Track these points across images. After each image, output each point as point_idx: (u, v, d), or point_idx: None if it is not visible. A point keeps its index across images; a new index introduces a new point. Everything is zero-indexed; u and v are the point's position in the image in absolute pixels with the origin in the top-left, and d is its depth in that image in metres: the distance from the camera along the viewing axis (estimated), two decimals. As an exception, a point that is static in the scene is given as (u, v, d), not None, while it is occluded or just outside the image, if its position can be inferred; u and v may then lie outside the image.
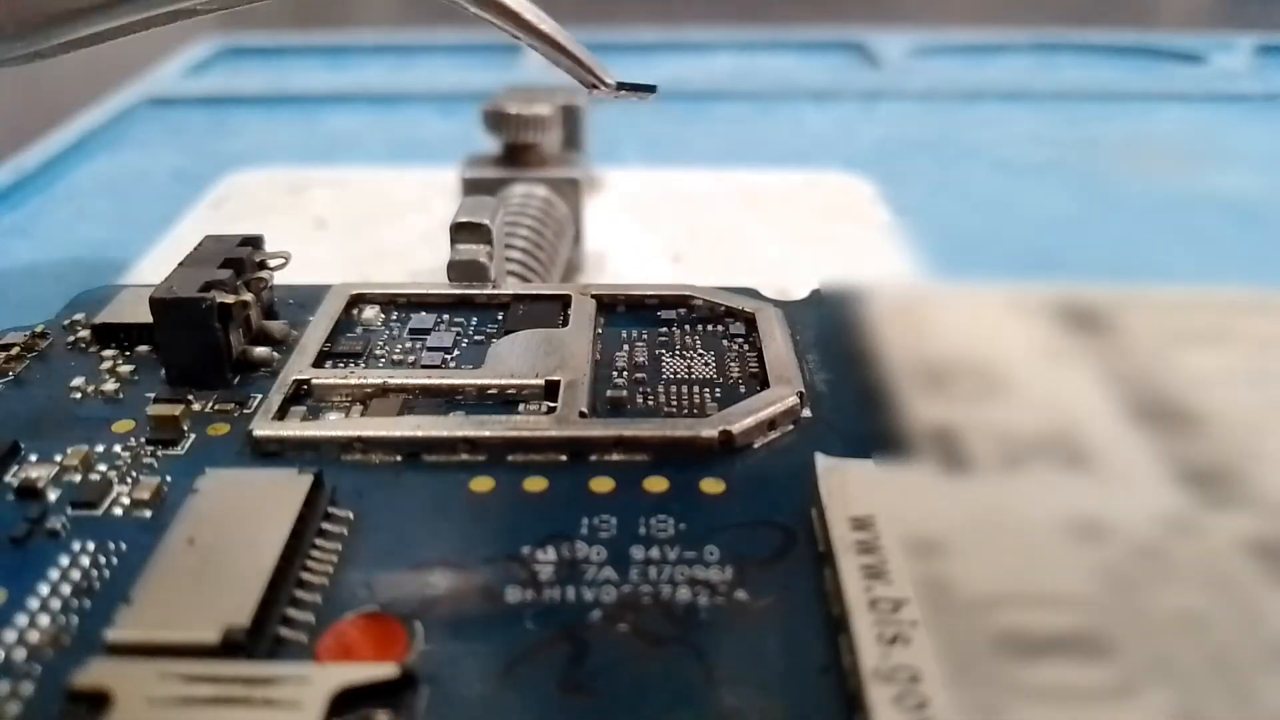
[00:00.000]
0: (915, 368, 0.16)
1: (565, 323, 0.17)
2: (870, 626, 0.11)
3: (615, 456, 0.14)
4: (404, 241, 0.26)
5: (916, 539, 0.12)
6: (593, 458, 0.14)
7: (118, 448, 0.15)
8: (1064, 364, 0.16)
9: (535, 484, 0.14)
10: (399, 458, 0.14)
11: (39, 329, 0.18)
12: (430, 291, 0.18)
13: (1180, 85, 0.39)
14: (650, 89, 0.17)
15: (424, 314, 0.18)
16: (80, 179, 0.31)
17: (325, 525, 0.13)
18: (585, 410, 0.15)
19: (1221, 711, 0.10)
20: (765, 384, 0.16)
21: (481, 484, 0.14)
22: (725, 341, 0.17)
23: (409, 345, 0.17)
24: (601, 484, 0.14)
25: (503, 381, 0.16)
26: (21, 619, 0.12)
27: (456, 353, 0.17)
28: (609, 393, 0.16)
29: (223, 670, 0.11)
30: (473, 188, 0.23)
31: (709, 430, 0.14)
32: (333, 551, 0.13)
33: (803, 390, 0.15)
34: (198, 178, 0.30)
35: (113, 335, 0.17)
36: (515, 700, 0.11)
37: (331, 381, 0.16)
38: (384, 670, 0.11)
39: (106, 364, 0.17)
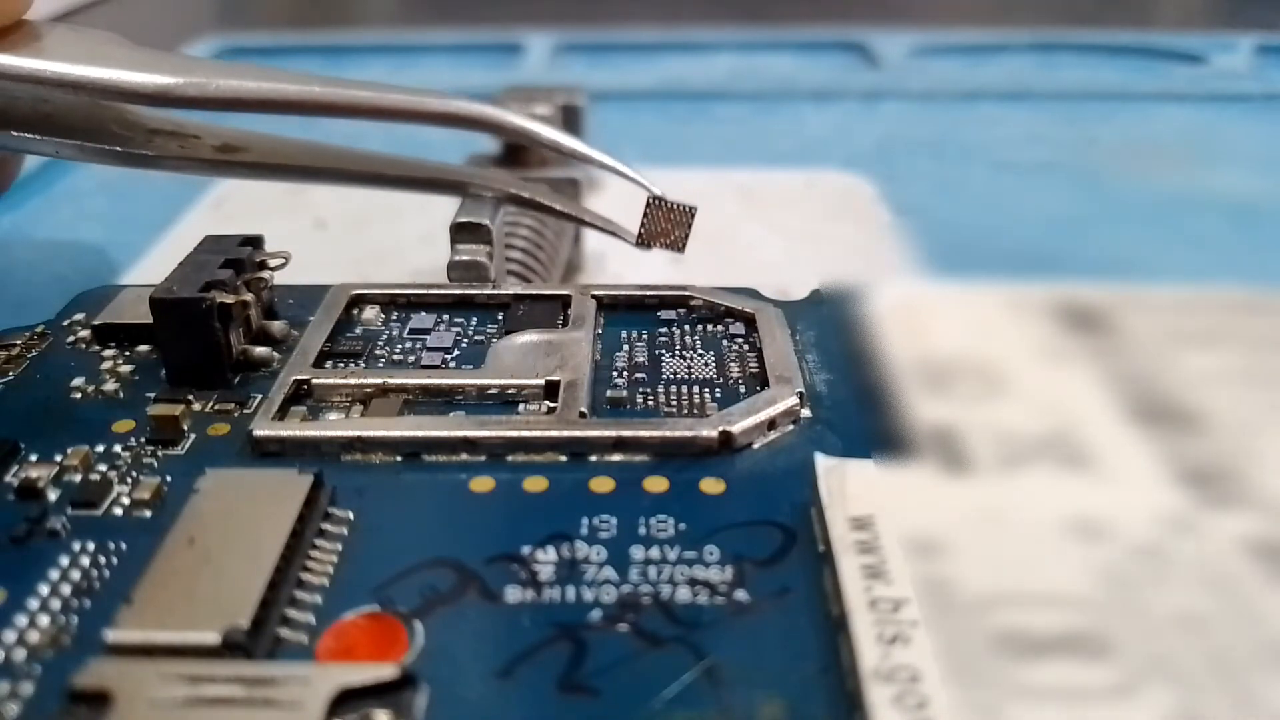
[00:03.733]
0: (915, 368, 0.16)
1: (565, 323, 0.17)
2: (870, 626, 0.11)
3: (615, 456, 0.14)
4: (404, 241, 0.26)
5: (916, 539, 0.12)
6: (593, 458, 0.14)
7: (118, 448, 0.15)
8: (1064, 364, 0.16)
9: (535, 484, 0.14)
10: (399, 458, 0.14)
11: (39, 329, 0.18)
12: (430, 291, 0.18)
13: (1180, 85, 0.39)
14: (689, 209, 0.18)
15: (424, 314, 0.18)
16: (80, 179, 0.31)
17: (325, 525, 0.13)
18: (585, 410, 0.15)
19: (1221, 711, 0.10)
20: (765, 384, 0.16)
21: (481, 484, 0.14)
22: (725, 341, 0.17)
23: (409, 345, 0.17)
24: (601, 484, 0.14)
25: (503, 381, 0.16)
26: (21, 619, 0.12)
27: (456, 353, 0.17)
28: (609, 393, 0.16)
29: (223, 670, 0.11)
30: (473, 188, 0.23)
31: (709, 430, 0.14)
32: (333, 551, 0.13)
33: (803, 390, 0.15)
34: (198, 178, 0.30)
35: (113, 335, 0.17)
36: (515, 700, 0.11)
37: (331, 381, 0.16)
38: (384, 670, 0.11)
39: (106, 364, 0.17)
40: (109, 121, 0.18)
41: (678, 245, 0.18)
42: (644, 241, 0.18)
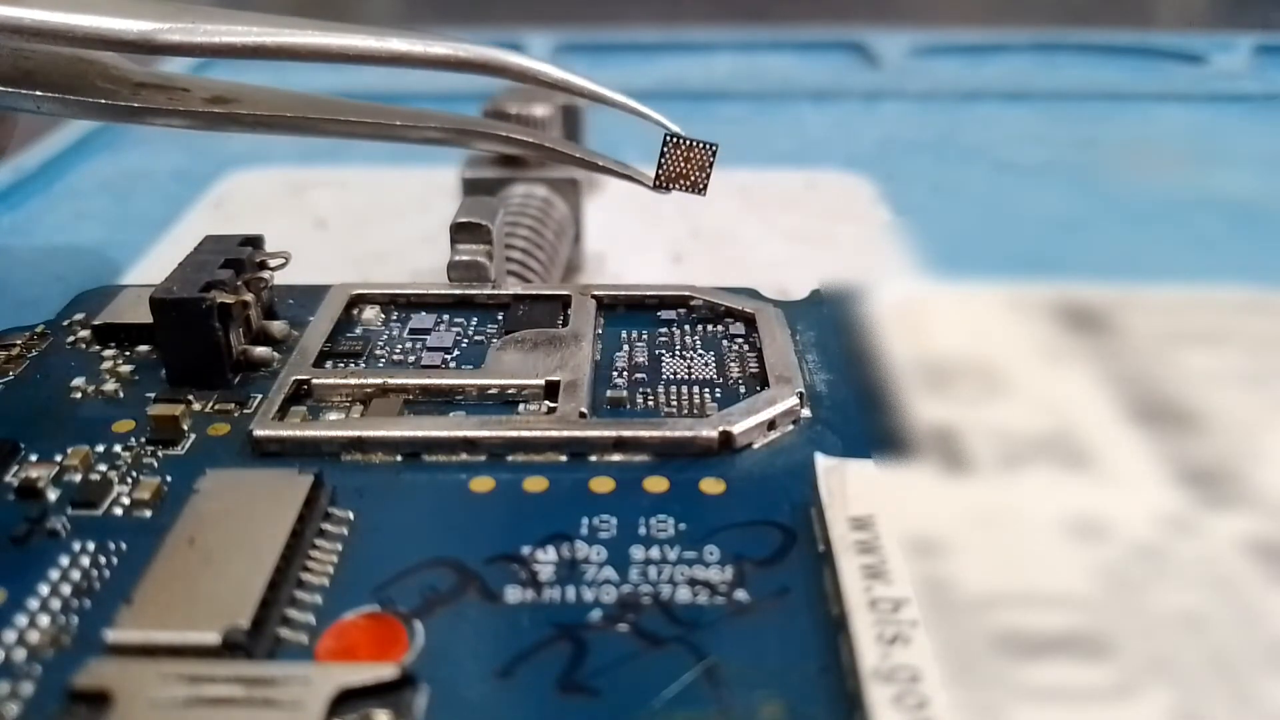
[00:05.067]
0: (915, 368, 0.16)
1: (565, 323, 0.17)
2: (870, 626, 0.11)
3: (615, 457, 0.14)
4: (404, 241, 0.26)
5: (916, 539, 0.12)
6: (593, 458, 0.14)
7: (118, 448, 0.15)
8: (1064, 364, 0.16)
9: (535, 484, 0.14)
10: (399, 458, 0.14)
11: (39, 329, 0.18)
12: (430, 291, 0.18)
13: (1180, 85, 0.39)
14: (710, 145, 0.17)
15: (424, 314, 0.18)
16: (80, 179, 0.31)
17: (325, 525, 0.13)
18: (585, 410, 0.15)
19: (1221, 711, 0.10)
20: (765, 384, 0.16)
21: (481, 484, 0.14)
22: (725, 342, 0.17)
23: (409, 345, 0.17)
24: (601, 484, 0.14)
25: (503, 382, 0.16)
26: (21, 619, 0.12)
27: (456, 353, 0.17)
28: (609, 393, 0.16)
29: (223, 670, 0.11)
30: (473, 188, 0.23)
31: (709, 430, 0.14)
32: (333, 551, 0.13)
33: (803, 390, 0.15)
34: (198, 177, 0.30)
35: (113, 335, 0.17)
36: (515, 700, 0.11)
37: (331, 381, 0.16)
38: (384, 670, 0.11)
39: (106, 364, 0.17)
40: (93, 76, 0.17)
41: (698, 187, 0.17)
42: (661, 184, 0.17)
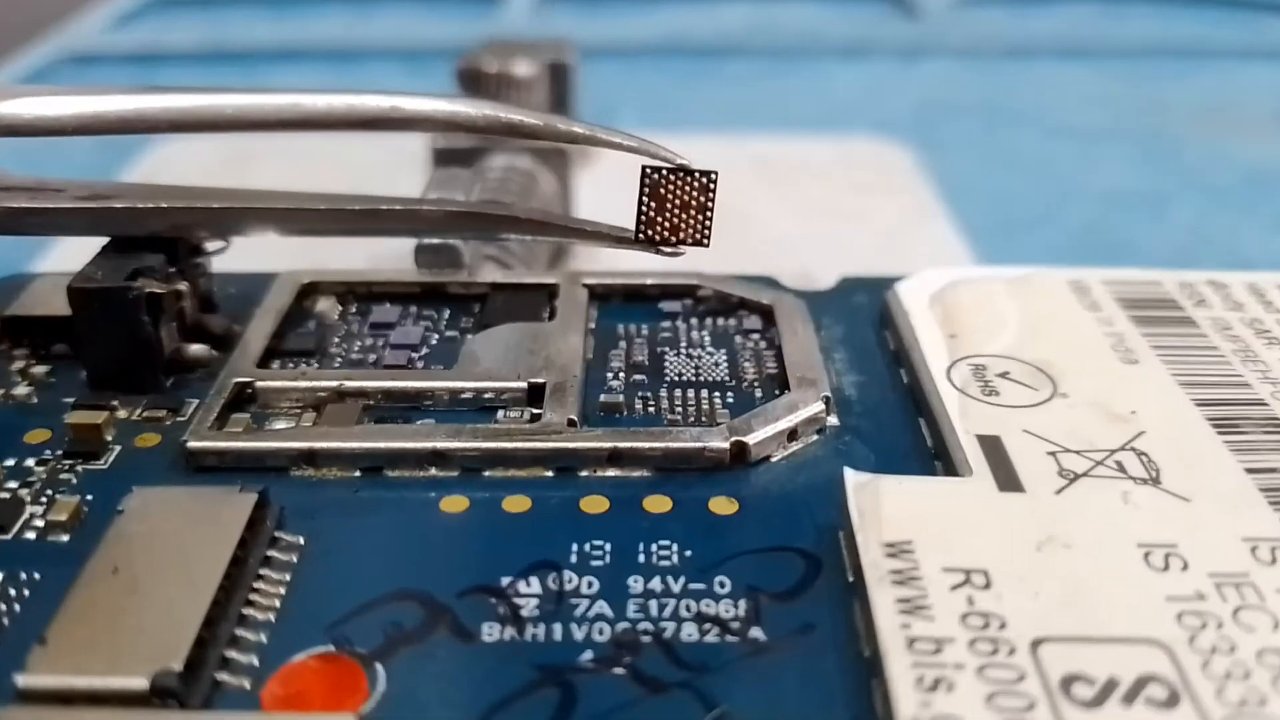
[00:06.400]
0: (959, 368, 0.16)
1: (552, 316, 0.17)
2: (908, 670, 0.11)
3: (610, 472, 0.14)
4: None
5: (961, 568, 0.12)
6: (584, 473, 0.14)
7: (30, 461, 0.15)
8: (1134, 364, 0.16)
9: (516, 504, 0.14)
10: (357, 473, 0.14)
11: (-62, 324, 0.18)
12: (394, 280, 0.19)
13: (1270, 40, 0.39)
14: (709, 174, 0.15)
15: (387, 306, 0.18)
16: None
17: (271, 552, 0.13)
18: (575, 418, 0.15)
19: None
20: (785, 387, 0.16)
21: (454, 504, 0.14)
22: (739, 338, 0.17)
23: (370, 342, 0.17)
24: (594, 504, 0.14)
25: (479, 384, 0.16)
26: (-84, 661, 0.12)
27: (425, 351, 0.17)
28: (603, 397, 0.16)
29: (152, 721, 0.11)
30: (445, 158, 0.23)
31: (719, 441, 0.14)
32: (280, 583, 0.13)
33: (829, 394, 0.15)
34: (124, 147, 0.30)
35: (25, 331, 0.17)
36: (493, 756, 0.11)
37: (279, 384, 0.16)
38: (340, 721, 0.11)
39: (17, 365, 0.17)
40: None
41: (699, 236, 0.15)
42: (649, 236, 0.15)
